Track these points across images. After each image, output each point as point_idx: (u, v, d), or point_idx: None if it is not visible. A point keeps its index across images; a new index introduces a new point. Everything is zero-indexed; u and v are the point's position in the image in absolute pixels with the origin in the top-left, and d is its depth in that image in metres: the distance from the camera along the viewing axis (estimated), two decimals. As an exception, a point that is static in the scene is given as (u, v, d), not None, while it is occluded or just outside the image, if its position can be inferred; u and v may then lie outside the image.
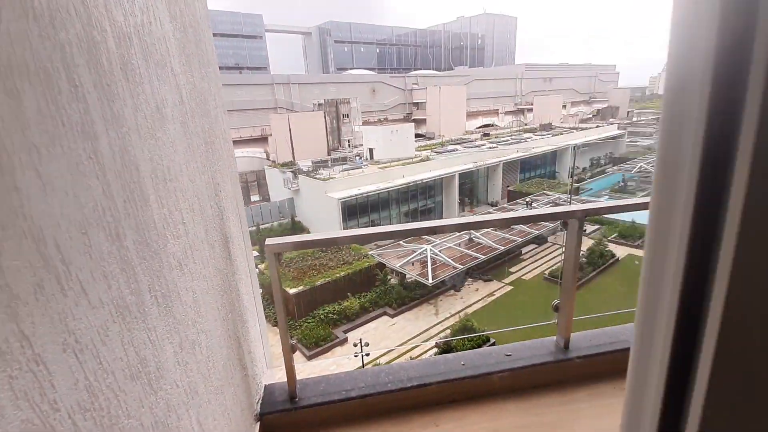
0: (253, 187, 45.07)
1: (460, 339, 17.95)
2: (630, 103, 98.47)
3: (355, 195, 29.87)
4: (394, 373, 1.80)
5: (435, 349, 18.72)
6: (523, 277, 23.70)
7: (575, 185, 37.51)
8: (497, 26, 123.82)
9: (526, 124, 69.27)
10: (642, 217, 28.32)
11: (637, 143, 61.47)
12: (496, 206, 33.43)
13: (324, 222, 30.85)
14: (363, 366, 16.87)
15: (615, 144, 54.17)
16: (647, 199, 1.92)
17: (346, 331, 20.40)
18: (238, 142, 49.62)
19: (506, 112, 78.10)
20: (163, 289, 0.82)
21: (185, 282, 0.94)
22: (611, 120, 69.35)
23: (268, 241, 1.50)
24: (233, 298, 1.45)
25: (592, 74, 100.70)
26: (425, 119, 64.83)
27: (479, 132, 61.63)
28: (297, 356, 19.18)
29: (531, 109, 76.19)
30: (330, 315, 20.72)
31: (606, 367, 1.88)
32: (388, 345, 19.63)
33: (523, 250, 26.18)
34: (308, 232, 30.96)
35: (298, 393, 1.70)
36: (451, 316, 21.27)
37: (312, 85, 60.76)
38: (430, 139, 57.59)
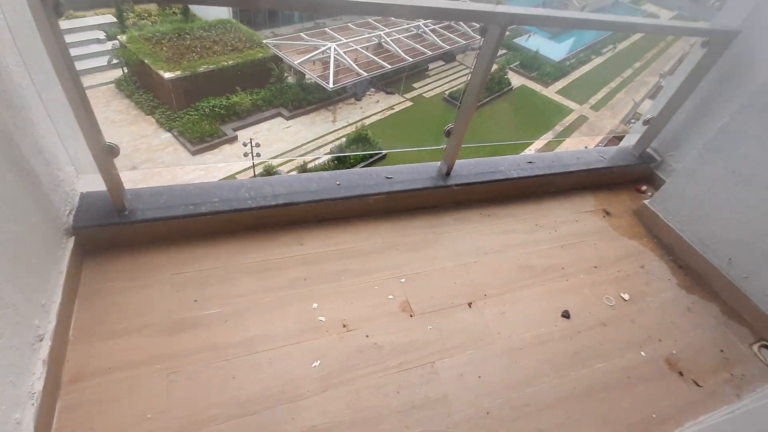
0: None
1: (354, 149, 18.54)
2: None
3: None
4: (257, 188, 1.55)
5: (329, 155, 19.22)
6: (424, 95, 23.84)
7: None
8: None
9: None
10: (545, 49, 28.73)
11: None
12: (412, 10, 30.23)
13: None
14: (254, 167, 16.77)
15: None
16: (572, 14, 1.61)
17: (236, 129, 19.20)
18: None
19: None
20: None
21: None
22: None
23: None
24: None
25: None
26: None
27: None
28: (179, 151, 17.94)
29: None
30: (216, 109, 18.86)
31: (479, 195, 1.91)
32: (281, 148, 19.38)
33: (430, 66, 25.55)
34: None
35: (130, 205, 1.36)
36: (349, 125, 21.24)
37: None
38: None
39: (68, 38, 1.09)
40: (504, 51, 28.63)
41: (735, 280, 1.70)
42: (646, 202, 2.03)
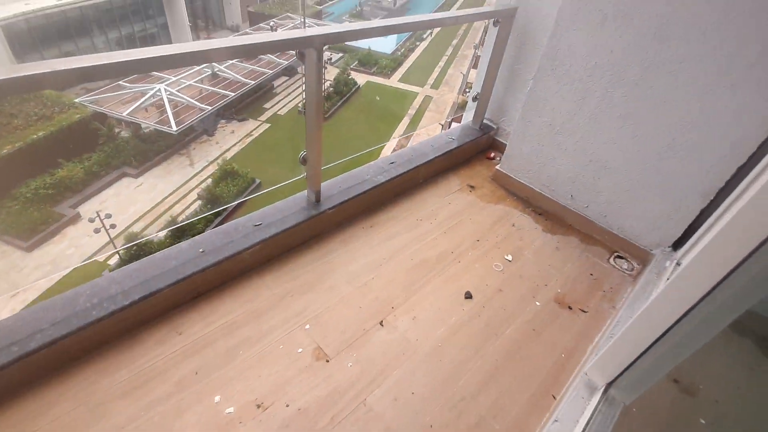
0: None
1: (224, 186, 17.30)
2: None
3: (25, 15, 19.86)
4: (100, 292, 1.27)
5: (199, 201, 17.60)
6: (278, 113, 23.35)
7: (316, 8, 36.10)
8: None
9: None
10: (376, 45, 30.54)
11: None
12: (237, 31, 29.19)
13: (-25, 59, 20.09)
14: (112, 241, 14.46)
15: (351, -38, 52.71)
16: (382, 22, 1.69)
17: (75, 206, 16.27)
18: None
19: None
20: None
21: None
22: (347, -68, 65.39)
23: None
24: None
25: None
26: None
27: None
28: (7, 253, 14.59)
29: None
30: (41, 191, 15.69)
31: (355, 210, 1.90)
32: (140, 209, 17.07)
33: (276, 84, 25.11)
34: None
35: None
36: (210, 164, 19.73)
37: None
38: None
39: None
40: (340, 54, 29.68)
41: (580, 210, 2.01)
42: (497, 167, 2.26)
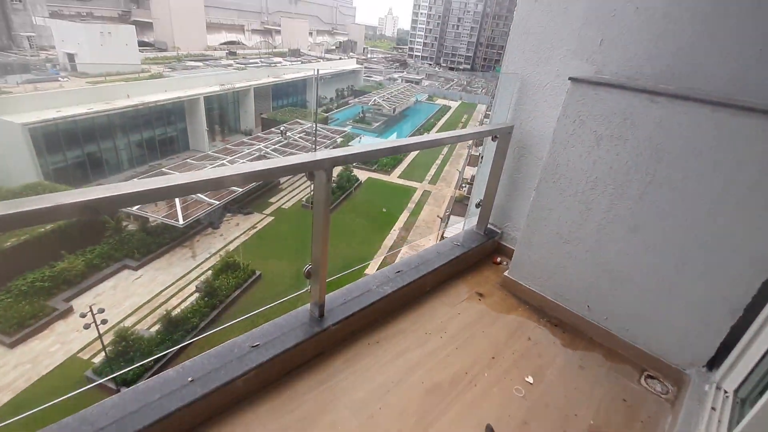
0: None
1: (224, 279, 17.09)
2: (364, 40, 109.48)
3: (55, 120, 21.76)
4: (69, 436, 1.11)
5: (196, 294, 17.20)
6: (283, 206, 24.16)
7: (324, 114, 39.72)
8: None
9: (275, 47, 66.46)
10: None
11: (371, 78, 69.88)
12: (250, 135, 31.68)
13: (3, 159, 21.47)
14: (101, 338, 13.80)
15: (355, 77, 59.64)
16: (390, 143, 1.78)
17: (69, 299, 15.86)
18: None
19: (253, 30, 72.27)
20: None
21: None
22: (351, 54, 75.32)
23: None
24: None
25: (333, 5, 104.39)
26: (152, 23, 52.13)
27: (224, 49, 54.97)
28: (-12, 350, 13.86)
29: (279, 31, 73.14)
30: (38, 284, 15.45)
31: (360, 324, 1.79)
32: (135, 303, 16.62)
33: (281, 180, 26.42)
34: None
35: None
36: (212, 256, 19.78)
37: (-68, -65, 37.41)
38: (161, 50, 47.21)
39: None
40: (345, 152, 31.73)
41: (599, 322, 1.89)
42: (506, 273, 2.20)
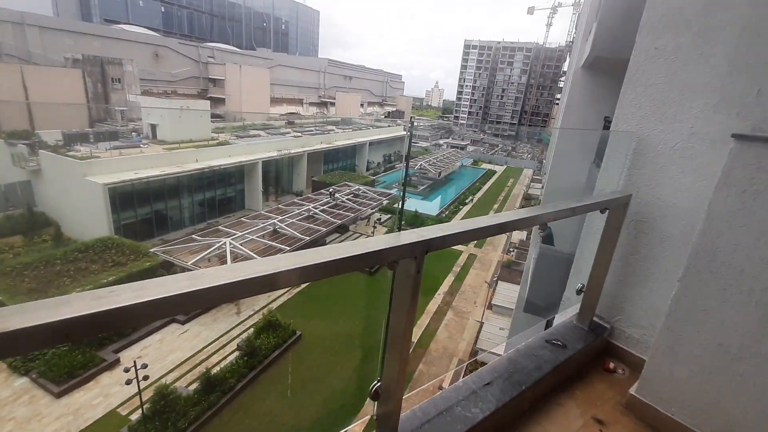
0: (-46, 163, 30.89)
1: (265, 338, 16.79)
2: (411, 110, 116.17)
3: (131, 180, 24.06)
4: None
5: (237, 352, 16.93)
6: (327, 265, 24.15)
7: (371, 177, 41.02)
8: (301, 15, 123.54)
9: (329, 117, 71.82)
10: (423, 207, 33.10)
11: (418, 144, 72.55)
12: (301, 196, 33.07)
13: (83, 213, 23.75)
14: (140, 394, 13.66)
15: (402, 143, 62.14)
16: (493, 220, 1.35)
17: (118, 350, 16.18)
18: None
19: (310, 103, 79.14)
20: None
21: None
22: (399, 122, 79.52)
23: None
24: None
25: (384, 80, 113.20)
26: (224, 99, 58.77)
27: (284, 119, 60.15)
28: (38, 397, 14.21)
29: (333, 103, 79.43)
30: (92, 335, 15.97)
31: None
32: (178, 358, 16.61)
33: (327, 240, 26.76)
34: (58, 226, 23.09)
35: None
36: (255, 313, 19.78)
37: (62, 33, 46.06)
38: (231, 121, 52.51)
39: None
40: (389, 215, 32.01)
41: (801, 487, 1.25)
42: (632, 391, 1.63)
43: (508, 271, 24.84)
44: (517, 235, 30.36)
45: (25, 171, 25.13)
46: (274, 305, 20.27)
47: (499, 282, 22.81)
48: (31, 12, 44.90)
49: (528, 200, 41.43)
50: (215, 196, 30.20)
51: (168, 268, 19.53)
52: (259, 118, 55.50)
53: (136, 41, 54.24)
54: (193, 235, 21.97)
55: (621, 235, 1.80)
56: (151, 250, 20.31)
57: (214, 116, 43.69)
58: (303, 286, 22.20)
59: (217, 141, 33.50)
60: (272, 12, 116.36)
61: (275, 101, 67.55)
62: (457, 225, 1.06)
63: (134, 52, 49.48)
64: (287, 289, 21.74)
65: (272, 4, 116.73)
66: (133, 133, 33.24)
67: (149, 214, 26.01)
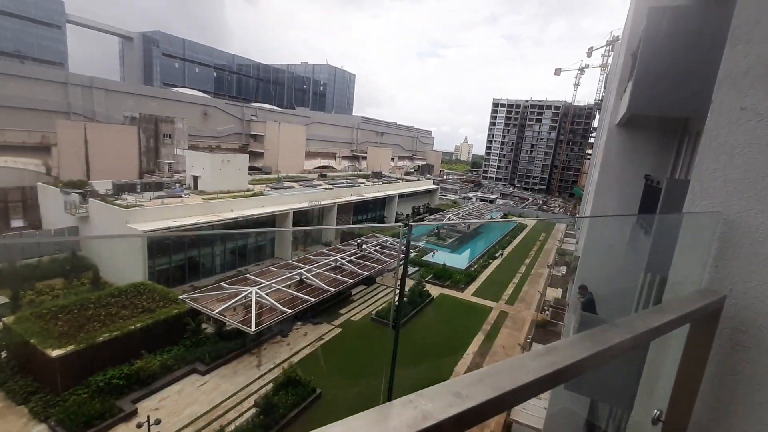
0: (17, 208, 33.83)
1: (283, 396, 16.15)
2: (441, 164, 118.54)
3: (169, 228, 25.24)
4: None
5: (254, 409, 16.28)
6: (352, 318, 23.61)
7: (398, 229, 41.01)
8: (338, 78, 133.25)
9: (360, 170, 74.22)
10: (451, 261, 32.40)
11: (447, 197, 73.00)
12: (329, 246, 33.42)
13: (122, 259, 24.87)
14: (152, 449, 13.20)
15: (431, 196, 62.76)
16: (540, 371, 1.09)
17: (136, 400, 15.96)
18: (-2, 148, 37.51)
19: (343, 157, 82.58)
20: None
21: None
22: (428, 175, 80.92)
23: None
24: None
25: (414, 135, 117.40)
26: (263, 153, 62.47)
27: (317, 172, 62.72)
28: (47, 450, 13.92)
29: (365, 157, 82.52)
30: (114, 381, 15.95)
31: None
32: (195, 412, 16.14)
33: (353, 292, 26.41)
34: (97, 270, 24.24)
35: None
36: (276, 366, 19.22)
37: (125, 95, 51.53)
38: (267, 173, 55.28)
39: None
40: (416, 268, 31.48)
41: None
42: None
43: (543, 331, 23.33)
44: (552, 293, 28.86)
45: (75, 217, 27.00)
46: (296, 358, 19.74)
47: (534, 344, 21.37)
48: (100, 77, 50.84)
49: (562, 255, 39.85)
50: (247, 244, 31.03)
51: (194, 316, 19.70)
52: (294, 171, 58.12)
53: (188, 102, 59.77)
54: (222, 283, 22.31)
55: (713, 350, 1.49)
56: (180, 297, 20.68)
57: (252, 169, 46.16)
58: (326, 338, 21.67)
59: (252, 192, 35.07)
60: (312, 75, 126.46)
61: (310, 155, 71.04)
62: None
63: (186, 112, 54.32)
64: (310, 342, 21.26)
65: (312, 69, 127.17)
66: (177, 184, 35.43)
67: (183, 260, 26.89)
